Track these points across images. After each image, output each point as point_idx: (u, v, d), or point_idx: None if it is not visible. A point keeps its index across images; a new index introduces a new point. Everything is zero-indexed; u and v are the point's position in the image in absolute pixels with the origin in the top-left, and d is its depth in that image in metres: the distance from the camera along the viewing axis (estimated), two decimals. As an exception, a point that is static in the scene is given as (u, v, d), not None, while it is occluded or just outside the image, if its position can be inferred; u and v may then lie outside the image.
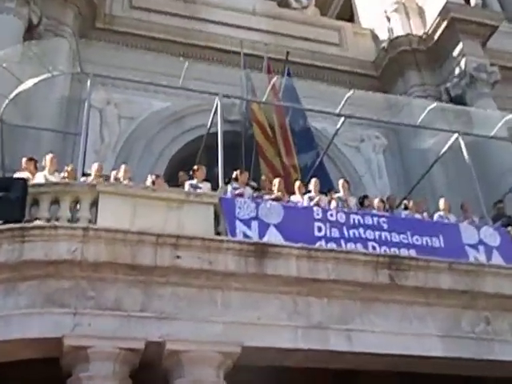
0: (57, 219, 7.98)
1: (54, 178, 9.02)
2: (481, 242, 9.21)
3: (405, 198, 11.59)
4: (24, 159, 9.46)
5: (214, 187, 9.74)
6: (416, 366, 8.18)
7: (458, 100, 14.63)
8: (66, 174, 9.56)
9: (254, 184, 10.92)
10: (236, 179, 9.80)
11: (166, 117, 13.77)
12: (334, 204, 9.68)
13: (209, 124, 11.55)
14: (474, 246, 9.14)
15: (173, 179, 11.29)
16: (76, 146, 11.92)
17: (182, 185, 9.96)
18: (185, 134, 13.86)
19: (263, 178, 11.06)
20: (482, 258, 9.04)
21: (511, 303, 8.58)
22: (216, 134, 10.44)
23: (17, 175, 8.96)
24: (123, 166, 9.70)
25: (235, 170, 10.03)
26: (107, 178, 9.52)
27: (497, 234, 9.38)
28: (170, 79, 11.75)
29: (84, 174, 9.33)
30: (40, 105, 11.60)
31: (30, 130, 11.12)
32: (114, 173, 9.68)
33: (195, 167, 9.91)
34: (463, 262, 8.63)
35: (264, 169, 12.58)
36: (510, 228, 9.63)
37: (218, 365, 7.40)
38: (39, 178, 8.93)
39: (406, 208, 10.58)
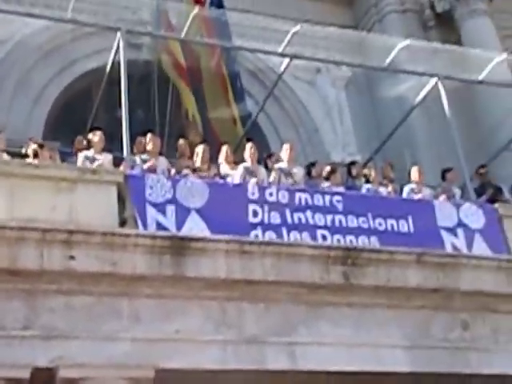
0: None
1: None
2: (460, 223, 10.25)
3: (368, 162, 12.50)
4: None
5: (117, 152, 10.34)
6: (376, 384, 9.16)
7: (446, 17, 15.60)
8: None
9: None
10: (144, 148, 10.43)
11: (45, 41, 14.12)
12: (273, 177, 10.33)
13: (110, 61, 12.04)
14: (452, 230, 10.15)
15: (58, 134, 11.86)
16: None
17: (77, 152, 10.47)
18: (73, 66, 14.32)
19: (181, 142, 11.57)
20: (461, 245, 10.10)
21: (494, 303, 9.66)
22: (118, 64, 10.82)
23: None
24: None
25: (145, 133, 10.63)
26: None
27: (480, 212, 10.39)
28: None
29: None
30: None
31: None
32: None
33: (90, 135, 10.43)
34: (436, 253, 9.61)
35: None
36: (497, 204, 10.68)
37: (125, 394, 8.12)
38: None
39: (366, 179, 11.46)
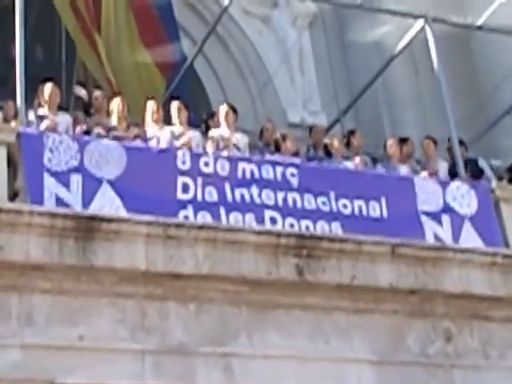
0: None
1: None
2: (446, 208, 10.22)
3: (333, 125, 12.36)
4: None
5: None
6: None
7: None
8: None
9: (81, 91, 11.09)
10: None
11: None
12: (209, 146, 10.13)
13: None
14: (435, 216, 10.13)
15: None
16: None
17: None
18: None
19: (97, 93, 11.20)
20: (447, 234, 10.09)
21: (486, 308, 9.72)
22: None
23: None
24: None
25: (44, 80, 10.28)
26: None
27: (473, 194, 10.36)
28: None
29: None
30: None
31: None
32: None
33: None
34: (415, 244, 9.56)
35: (96, 71, 12.74)
36: (494, 184, 10.59)
37: (11, 417, 7.83)
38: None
39: (326, 151, 11.26)
